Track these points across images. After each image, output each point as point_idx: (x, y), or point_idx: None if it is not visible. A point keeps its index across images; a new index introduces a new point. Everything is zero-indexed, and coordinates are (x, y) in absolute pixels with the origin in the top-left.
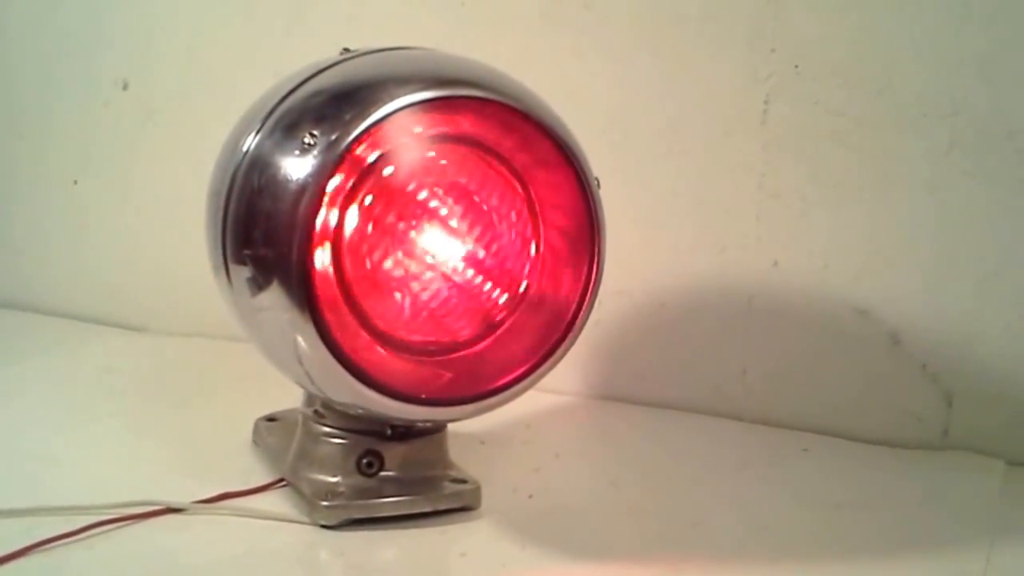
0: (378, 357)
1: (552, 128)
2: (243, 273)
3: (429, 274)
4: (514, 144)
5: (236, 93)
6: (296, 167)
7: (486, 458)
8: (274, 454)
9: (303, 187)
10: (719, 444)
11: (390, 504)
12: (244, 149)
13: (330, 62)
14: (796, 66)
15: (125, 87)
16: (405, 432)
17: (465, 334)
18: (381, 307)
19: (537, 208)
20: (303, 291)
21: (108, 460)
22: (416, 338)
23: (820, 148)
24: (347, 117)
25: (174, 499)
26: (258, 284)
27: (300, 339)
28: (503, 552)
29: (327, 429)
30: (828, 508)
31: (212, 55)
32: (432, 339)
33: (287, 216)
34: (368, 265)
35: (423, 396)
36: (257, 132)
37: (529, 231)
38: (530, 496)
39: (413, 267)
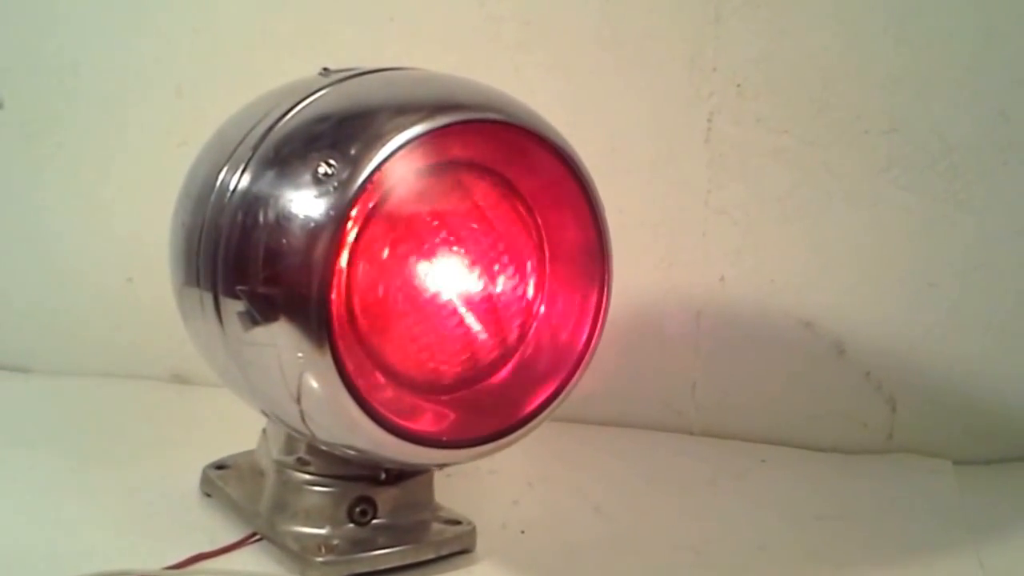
0: (391, 397)
1: (565, 151)
2: (235, 307)
3: (435, 309)
4: (522, 168)
5: (127, 114)
6: (311, 199)
7: (460, 492)
8: (236, 506)
9: (323, 221)
10: (679, 459)
11: (393, 554)
12: (225, 178)
13: (322, 84)
14: (738, 85)
15: (0, 106)
16: (398, 475)
17: (473, 369)
18: (389, 344)
19: (544, 234)
20: (322, 329)
21: (42, 525)
22: (422, 375)
23: (763, 165)
24: (363, 146)
25: (137, 566)
26: (254, 320)
27: (310, 378)
28: None
29: (311, 477)
30: (810, 520)
31: (100, 72)
32: (438, 375)
33: (302, 251)
34: (377, 300)
35: (444, 439)
36: (247, 160)
37: (536, 259)
38: (522, 532)
39: (419, 301)
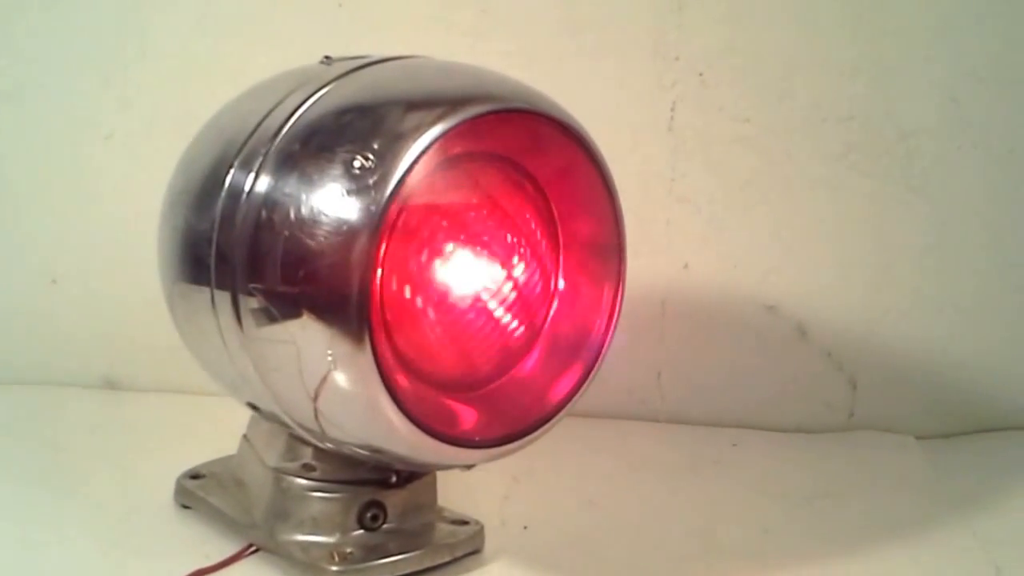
0: (423, 397)
1: (585, 140)
2: (252, 305)
3: (461, 305)
4: (540, 157)
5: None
6: (345, 195)
7: (445, 491)
8: (223, 516)
9: (362, 217)
10: (654, 448)
11: (410, 559)
12: (237, 175)
13: (333, 74)
14: (700, 74)
15: None
16: (408, 477)
17: (499, 362)
18: (416, 343)
19: (558, 222)
20: (363, 328)
21: (9, 552)
22: (449, 373)
23: (726, 153)
24: (397, 139)
25: None
26: (272, 317)
27: (342, 377)
28: None
29: (317, 483)
30: (800, 501)
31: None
32: (465, 372)
33: (338, 248)
34: (403, 299)
35: (477, 438)
36: (263, 156)
37: (550, 247)
38: (525, 528)
39: (445, 297)
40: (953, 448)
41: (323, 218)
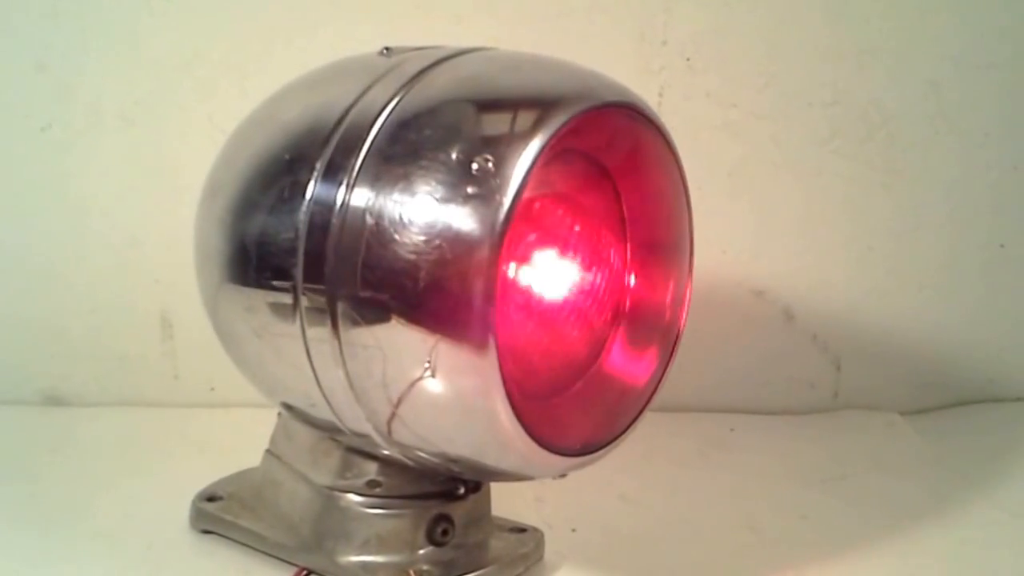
0: (528, 405)
1: (667, 136)
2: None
3: (550, 307)
4: (617, 151)
5: None
6: (465, 197)
7: None
8: (262, 540)
9: (486, 222)
10: (656, 437)
11: (488, 574)
12: (322, 177)
13: (416, 68)
14: (688, 59)
15: None
16: (475, 487)
17: (577, 364)
18: (516, 348)
19: (630, 219)
20: (487, 334)
21: None
22: (543, 380)
23: (713, 138)
24: (514, 139)
25: None
26: (368, 320)
27: (447, 385)
28: None
29: (382, 499)
30: (819, 483)
31: None
32: (548, 376)
33: (460, 252)
34: (517, 301)
35: (579, 445)
36: (356, 156)
37: (618, 238)
38: (573, 530)
39: (541, 301)
40: (936, 422)
41: (440, 223)
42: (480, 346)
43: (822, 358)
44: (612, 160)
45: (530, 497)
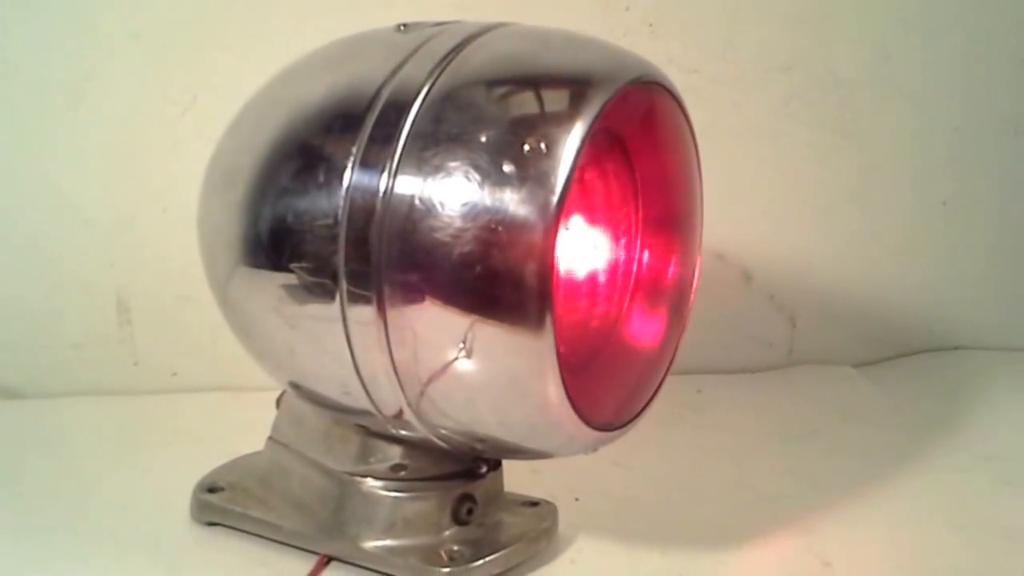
0: (573, 383)
1: (687, 112)
2: (396, 296)
3: (581, 282)
4: (638, 127)
5: None
6: (518, 179)
7: None
8: (276, 529)
9: (539, 202)
10: None
11: (517, 549)
12: (360, 158)
13: (448, 46)
14: (650, 24)
15: None
16: (495, 465)
17: (599, 336)
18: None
19: (643, 193)
20: (544, 314)
21: None
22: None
23: None
24: (563, 119)
25: None
26: (415, 303)
27: (494, 366)
28: (616, 560)
29: (407, 483)
30: (799, 439)
31: None
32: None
33: (515, 234)
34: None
35: (615, 420)
36: (395, 138)
37: (632, 210)
38: (576, 499)
39: (572, 276)
40: (885, 372)
41: (492, 205)
42: (536, 328)
43: (778, 317)
44: (631, 133)
45: (526, 469)
